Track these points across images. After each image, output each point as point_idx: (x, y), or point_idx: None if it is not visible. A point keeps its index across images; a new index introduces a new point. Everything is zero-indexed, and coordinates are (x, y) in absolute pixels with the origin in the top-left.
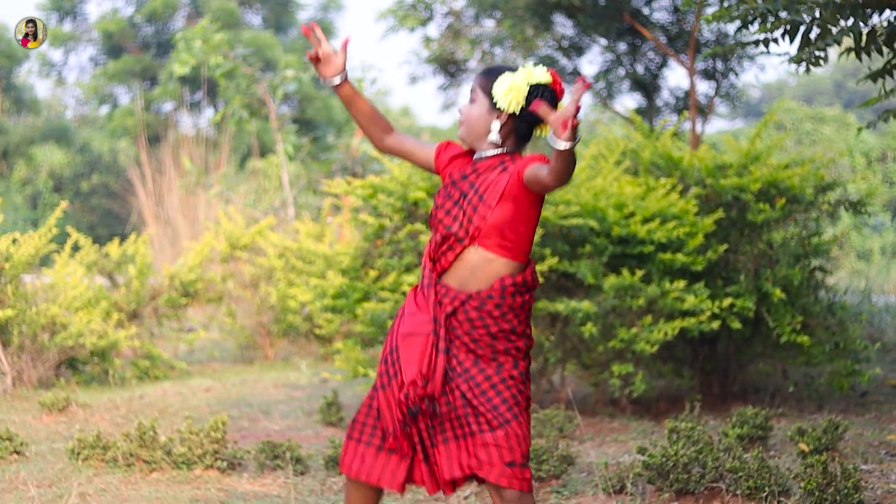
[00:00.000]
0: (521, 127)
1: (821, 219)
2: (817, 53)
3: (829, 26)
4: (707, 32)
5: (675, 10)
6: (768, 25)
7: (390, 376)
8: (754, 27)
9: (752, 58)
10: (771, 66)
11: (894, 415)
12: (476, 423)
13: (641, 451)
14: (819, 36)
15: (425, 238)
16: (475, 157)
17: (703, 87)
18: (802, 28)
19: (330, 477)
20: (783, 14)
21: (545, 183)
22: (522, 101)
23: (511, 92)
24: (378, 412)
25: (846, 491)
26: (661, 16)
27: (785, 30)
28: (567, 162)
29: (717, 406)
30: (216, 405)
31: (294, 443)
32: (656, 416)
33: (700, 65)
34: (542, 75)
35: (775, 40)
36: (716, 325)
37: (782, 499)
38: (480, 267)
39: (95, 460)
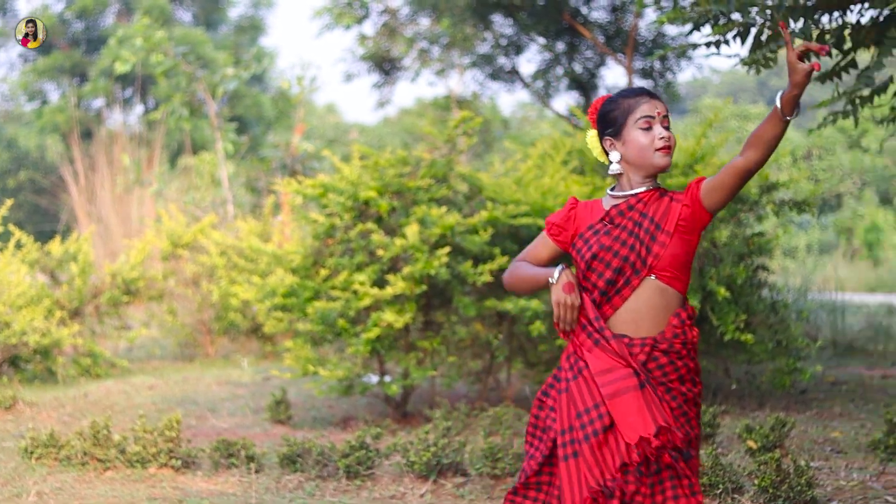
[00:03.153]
0: None
1: (765, 218)
2: (768, 55)
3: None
4: (644, 31)
5: (614, 9)
6: (720, 27)
7: (580, 443)
8: (706, 29)
9: (690, 57)
10: (707, 65)
11: (835, 411)
12: (679, 487)
13: None
14: (770, 38)
15: (375, 238)
16: (624, 192)
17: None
18: (754, 30)
19: (285, 475)
20: (735, 16)
21: (743, 166)
22: None
23: None
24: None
25: (799, 488)
26: (599, 15)
27: (737, 32)
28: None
29: None
30: (162, 403)
31: (248, 441)
32: None
33: (638, 64)
34: None
35: (727, 42)
36: None
37: (736, 496)
38: (655, 301)
39: (49, 459)
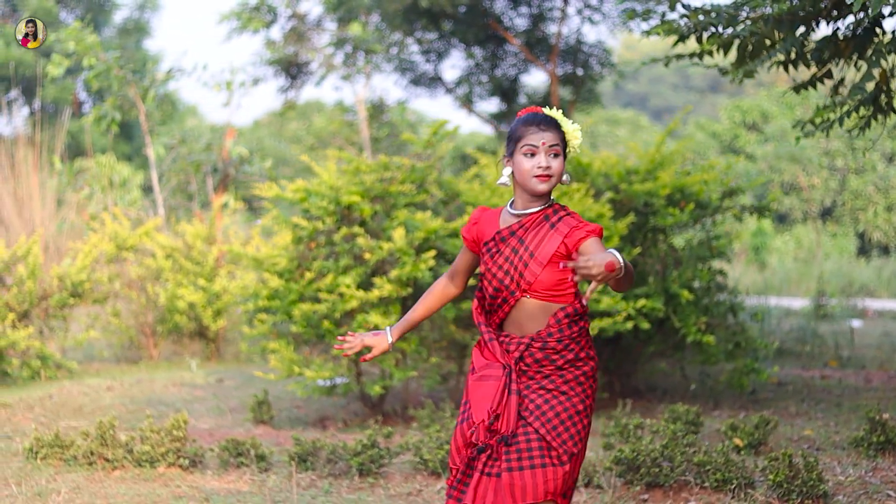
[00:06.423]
0: None
1: (725, 223)
2: (752, 68)
3: (767, 40)
4: (569, 39)
5: (536, 17)
6: (711, 39)
7: (464, 419)
8: (690, 40)
9: (613, 65)
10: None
11: (791, 411)
12: (547, 456)
13: (608, 447)
14: (756, 50)
15: (362, 241)
16: (516, 211)
17: (562, 92)
18: (737, 42)
19: (297, 472)
20: (721, 28)
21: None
22: None
23: (580, 136)
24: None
25: (812, 482)
26: (522, 22)
27: (722, 44)
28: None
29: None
30: (130, 404)
31: (256, 440)
32: None
33: (560, 70)
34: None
35: (710, 53)
36: (630, 325)
37: (749, 491)
38: (534, 312)
39: (54, 459)
